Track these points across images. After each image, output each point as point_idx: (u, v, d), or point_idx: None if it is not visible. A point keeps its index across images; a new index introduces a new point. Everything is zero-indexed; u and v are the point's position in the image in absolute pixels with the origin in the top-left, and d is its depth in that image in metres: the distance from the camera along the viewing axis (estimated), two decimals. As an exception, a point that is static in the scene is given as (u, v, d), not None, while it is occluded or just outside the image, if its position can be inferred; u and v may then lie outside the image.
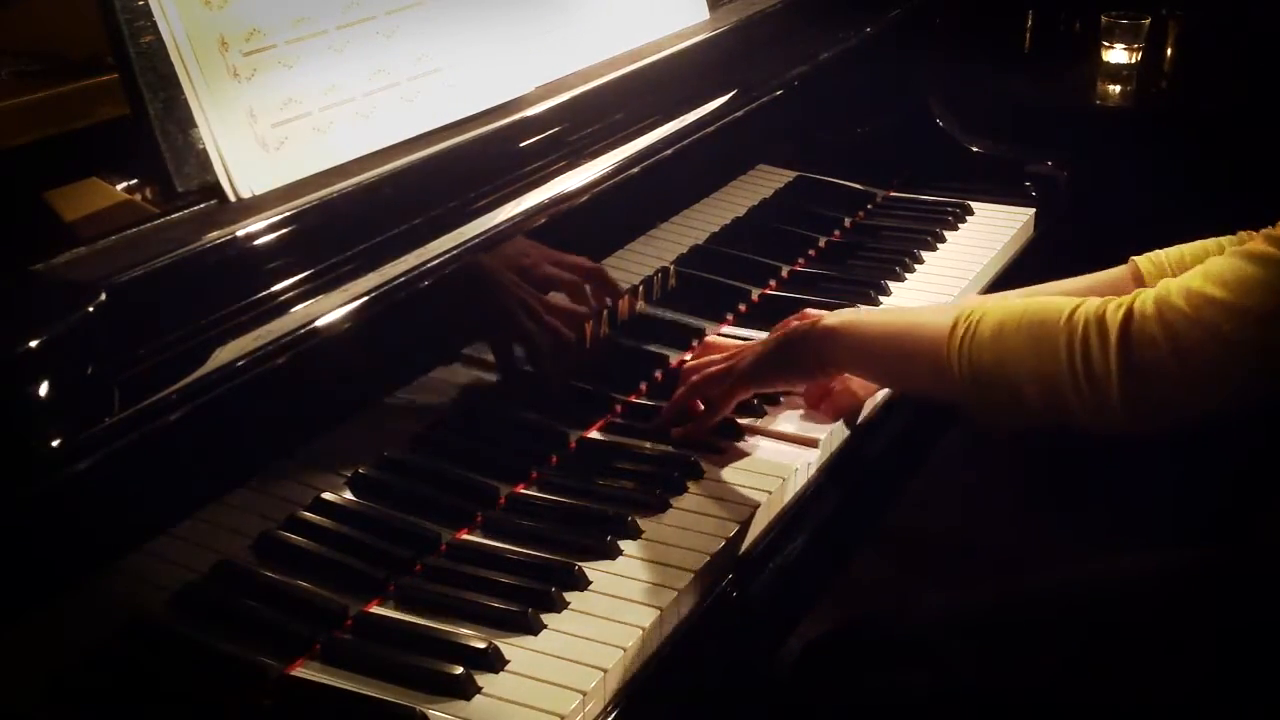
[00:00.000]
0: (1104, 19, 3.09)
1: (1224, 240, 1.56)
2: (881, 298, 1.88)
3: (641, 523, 1.35)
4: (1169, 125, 2.95)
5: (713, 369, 1.51)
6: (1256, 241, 1.23)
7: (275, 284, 1.18)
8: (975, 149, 2.30)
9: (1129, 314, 1.24)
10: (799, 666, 1.55)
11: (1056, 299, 1.31)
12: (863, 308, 1.54)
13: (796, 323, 1.51)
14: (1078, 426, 1.30)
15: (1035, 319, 1.29)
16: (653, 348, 1.68)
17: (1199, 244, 1.58)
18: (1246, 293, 1.20)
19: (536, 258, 1.50)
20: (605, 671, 1.16)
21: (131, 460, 1.05)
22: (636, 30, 1.74)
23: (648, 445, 1.50)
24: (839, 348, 1.45)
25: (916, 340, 1.38)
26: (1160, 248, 1.62)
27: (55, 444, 1.00)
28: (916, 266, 1.99)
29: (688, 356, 1.65)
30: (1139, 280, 1.57)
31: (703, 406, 1.52)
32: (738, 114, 1.79)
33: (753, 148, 1.96)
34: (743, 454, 1.49)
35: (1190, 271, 1.26)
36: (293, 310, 1.18)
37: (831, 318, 1.46)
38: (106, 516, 1.06)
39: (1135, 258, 1.59)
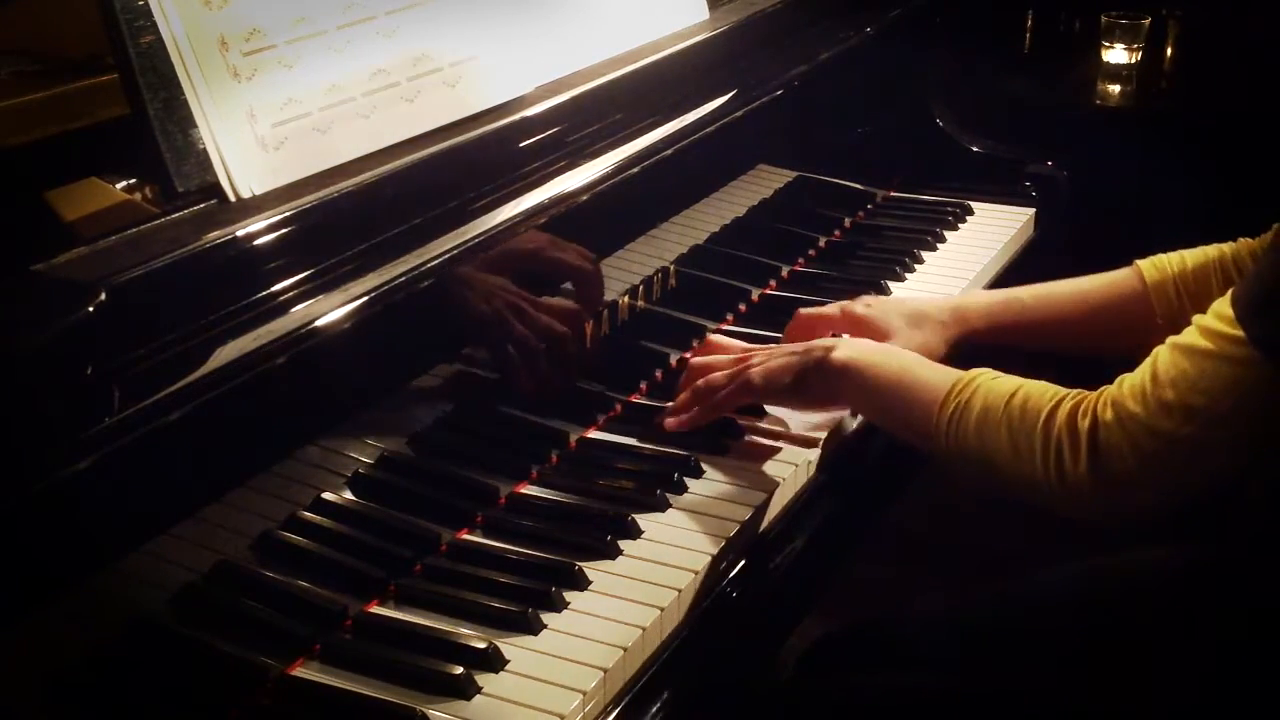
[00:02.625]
0: (1104, 19, 3.09)
1: (1225, 247, 1.56)
2: (882, 298, 1.88)
3: (641, 523, 1.35)
4: (1169, 125, 2.95)
5: (718, 375, 1.51)
6: (1192, 332, 1.24)
7: (275, 284, 1.18)
8: (975, 149, 2.30)
9: (1094, 424, 1.26)
10: (799, 666, 1.56)
11: (1040, 391, 1.32)
12: (870, 343, 1.55)
13: (812, 351, 1.50)
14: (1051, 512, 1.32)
15: (1016, 414, 1.31)
16: (653, 347, 1.68)
17: (1200, 251, 1.58)
18: (1196, 392, 1.21)
19: (538, 247, 1.50)
20: (605, 671, 1.16)
21: (131, 460, 1.05)
22: (636, 30, 1.74)
23: (648, 445, 1.50)
24: (847, 386, 1.46)
25: (913, 401, 1.41)
26: (1159, 247, 1.62)
27: (55, 444, 1.00)
28: (917, 266, 1.99)
29: (688, 355, 1.65)
30: (1143, 283, 1.57)
31: (701, 405, 1.51)
32: (738, 114, 1.79)
33: (753, 148, 1.96)
34: (743, 453, 1.49)
35: (1141, 367, 1.27)
36: (293, 310, 1.18)
37: (842, 352, 1.47)
38: (106, 516, 1.06)
39: (1139, 261, 1.59)
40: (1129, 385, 1.26)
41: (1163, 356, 1.25)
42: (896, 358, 1.47)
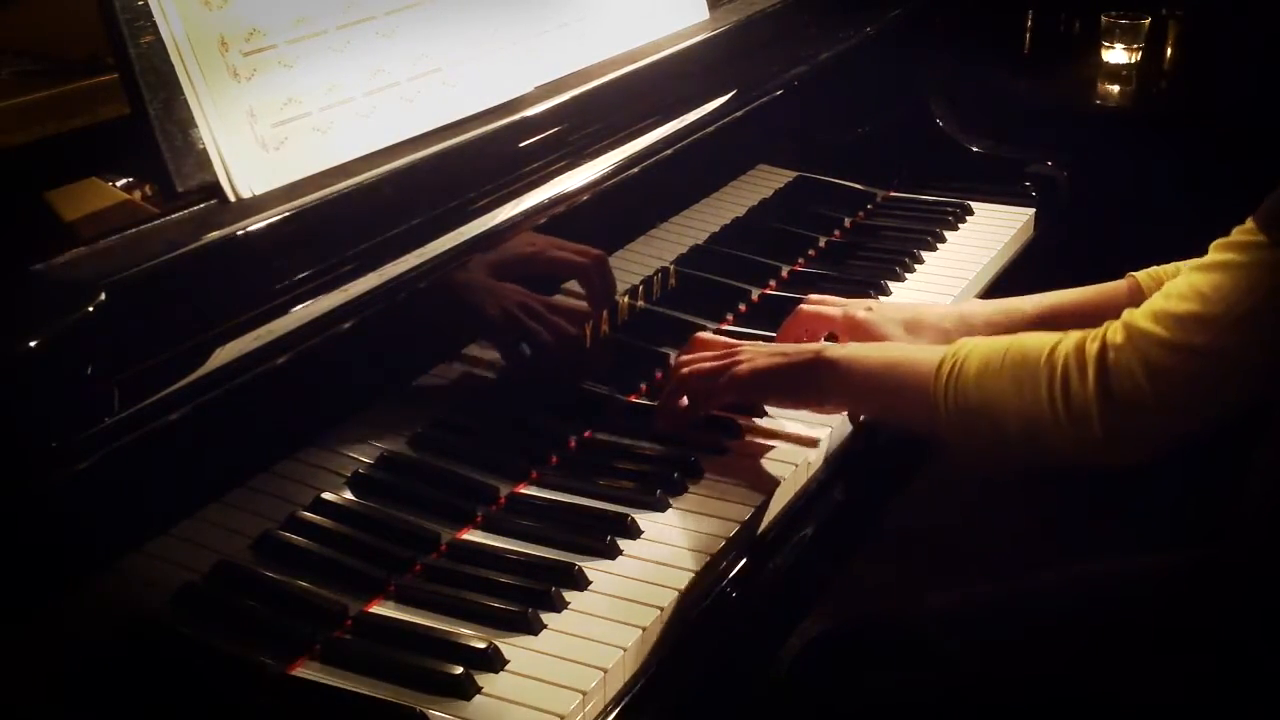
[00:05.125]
0: (1104, 19, 3.09)
1: None
2: (881, 298, 1.88)
3: (641, 522, 1.35)
4: (1169, 125, 2.95)
5: (704, 365, 1.51)
6: (1209, 255, 1.25)
7: (275, 284, 1.18)
8: (975, 149, 2.30)
9: (1103, 346, 1.26)
10: (799, 665, 1.56)
11: (1038, 336, 1.32)
12: (857, 343, 1.56)
13: (802, 351, 1.51)
14: (1058, 461, 1.31)
15: (1017, 357, 1.31)
16: (653, 347, 1.68)
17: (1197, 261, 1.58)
18: (1212, 301, 1.21)
19: (541, 248, 1.50)
20: (605, 671, 1.16)
21: (131, 460, 1.05)
22: (636, 30, 1.74)
23: (648, 445, 1.50)
24: (837, 381, 1.46)
25: (906, 377, 1.41)
26: (1158, 248, 1.62)
27: (55, 444, 1.00)
28: (916, 266, 1.99)
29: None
30: (1137, 294, 1.57)
31: (688, 401, 1.52)
32: (738, 114, 1.79)
33: (753, 148, 1.96)
34: (743, 453, 1.49)
35: (1154, 295, 1.27)
36: (293, 310, 1.18)
37: (832, 351, 1.47)
38: (106, 516, 1.06)
39: (1134, 273, 1.59)
40: (1142, 309, 1.26)
41: (1178, 280, 1.26)
42: (884, 348, 1.49)
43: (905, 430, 1.56)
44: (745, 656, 1.40)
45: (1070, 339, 1.29)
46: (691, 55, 1.76)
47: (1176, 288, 1.25)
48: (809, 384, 1.48)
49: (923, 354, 1.41)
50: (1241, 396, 1.26)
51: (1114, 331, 1.26)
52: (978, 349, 1.35)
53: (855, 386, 1.46)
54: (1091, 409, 1.25)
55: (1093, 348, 1.26)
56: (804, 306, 1.68)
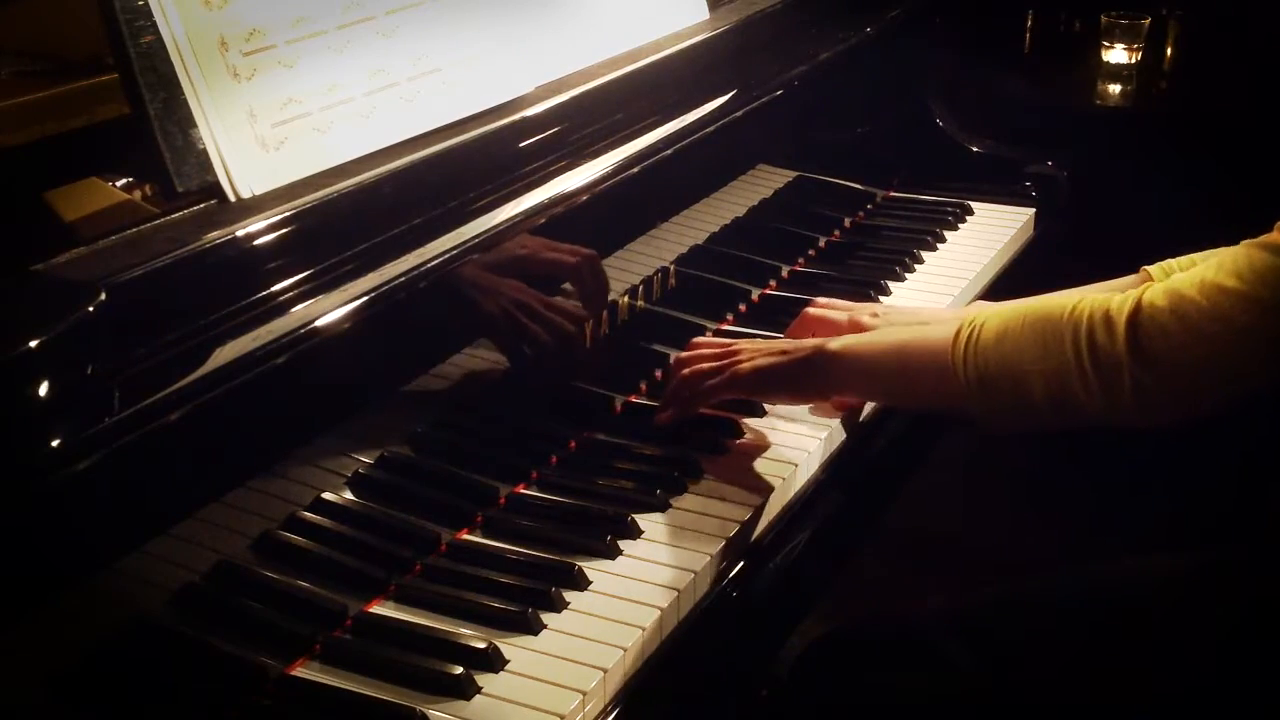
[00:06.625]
0: (1104, 19, 3.09)
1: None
2: (881, 298, 1.88)
3: (641, 523, 1.35)
4: (1169, 125, 2.95)
5: (705, 365, 1.51)
6: (1277, 230, 1.24)
7: (275, 284, 1.18)
8: (975, 149, 2.31)
9: (1137, 306, 1.26)
10: (799, 666, 1.56)
11: (1055, 297, 1.33)
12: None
13: (802, 347, 1.50)
14: (1085, 423, 1.30)
15: (1039, 316, 1.31)
16: (653, 347, 1.68)
17: (1209, 254, 1.57)
18: (1262, 283, 1.22)
19: (533, 249, 1.50)
20: (605, 671, 1.16)
21: (131, 460, 1.05)
22: (636, 30, 1.74)
23: (648, 445, 1.49)
24: (843, 370, 1.46)
25: (920, 352, 1.40)
26: (1159, 248, 1.62)
27: (55, 444, 1.00)
28: (916, 266, 1.99)
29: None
30: None
31: (689, 399, 1.52)
32: (738, 114, 1.79)
33: (753, 148, 1.96)
34: (743, 453, 1.48)
35: (1202, 265, 1.27)
36: (293, 310, 1.18)
37: (835, 343, 1.47)
38: (106, 516, 1.06)
39: (1147, 266, 1.59)
40: (1188, 277, 1.26)
41: (1231, 252, 1.26)
42: (888, 332, 1.49)
43: (919, 410, 1.55)
44: (745, 656, 1.40)
45: (1089, 298, 1.29)
46: (691, 55, 1.76)
47: (1230, 262, 1.25)
48: (813, 378, 1.48)
49: (933, 330, 1.41)
50: (1273, 380, 1.26)
51: (1153, 293, 1.26)
52: (995, 314, 1.35)
53: (863, 373, 1.46)
54: (1122, 363, 1.25)
55: (1124, 307, 1.26)
56: (810, 310, 1.68)
